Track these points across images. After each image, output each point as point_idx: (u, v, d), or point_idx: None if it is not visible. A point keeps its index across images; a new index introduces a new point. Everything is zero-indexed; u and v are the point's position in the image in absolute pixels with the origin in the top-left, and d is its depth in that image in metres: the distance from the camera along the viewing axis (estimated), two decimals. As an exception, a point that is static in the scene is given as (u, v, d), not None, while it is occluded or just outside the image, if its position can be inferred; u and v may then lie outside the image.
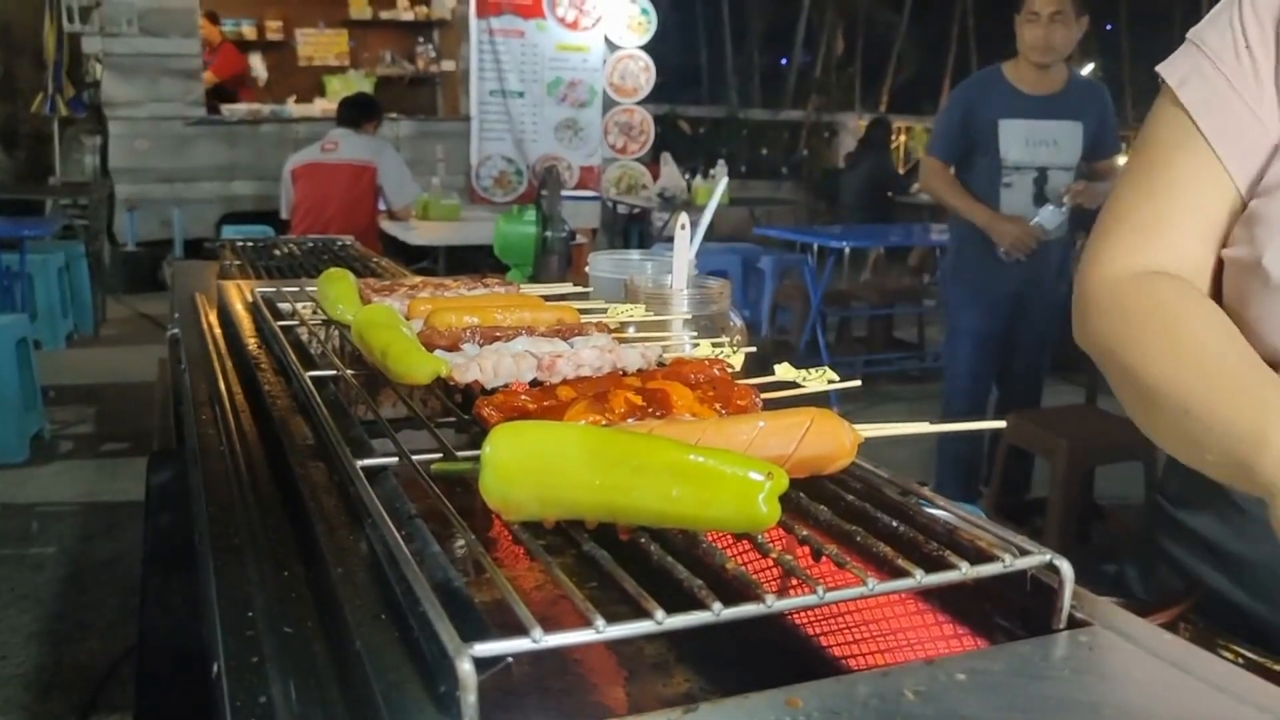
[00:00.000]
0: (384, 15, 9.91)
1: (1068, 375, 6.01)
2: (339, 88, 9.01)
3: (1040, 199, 3.57)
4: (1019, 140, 3.57)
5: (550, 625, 0.46)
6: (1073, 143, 3.55)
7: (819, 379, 0.74)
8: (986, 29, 13.32)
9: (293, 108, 8.95)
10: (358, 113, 5.64)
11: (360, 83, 9.36)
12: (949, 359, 4.01)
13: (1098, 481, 3.78)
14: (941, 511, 0.61)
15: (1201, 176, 0.95)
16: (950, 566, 0.53)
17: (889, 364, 6.14)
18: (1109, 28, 13.68)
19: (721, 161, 7.75)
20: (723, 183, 1.52)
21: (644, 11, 8.81)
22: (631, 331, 1.04)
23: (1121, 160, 3.69)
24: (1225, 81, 0.93)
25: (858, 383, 0.83)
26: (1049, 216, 3.51)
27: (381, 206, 5.65)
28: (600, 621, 0.45)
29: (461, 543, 0.56)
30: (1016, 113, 3.55)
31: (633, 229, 8.11)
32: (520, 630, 0.45)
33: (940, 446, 4.02)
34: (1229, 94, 0.92)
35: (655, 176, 8.22)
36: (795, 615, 0.71)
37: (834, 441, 0.61)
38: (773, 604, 0.49)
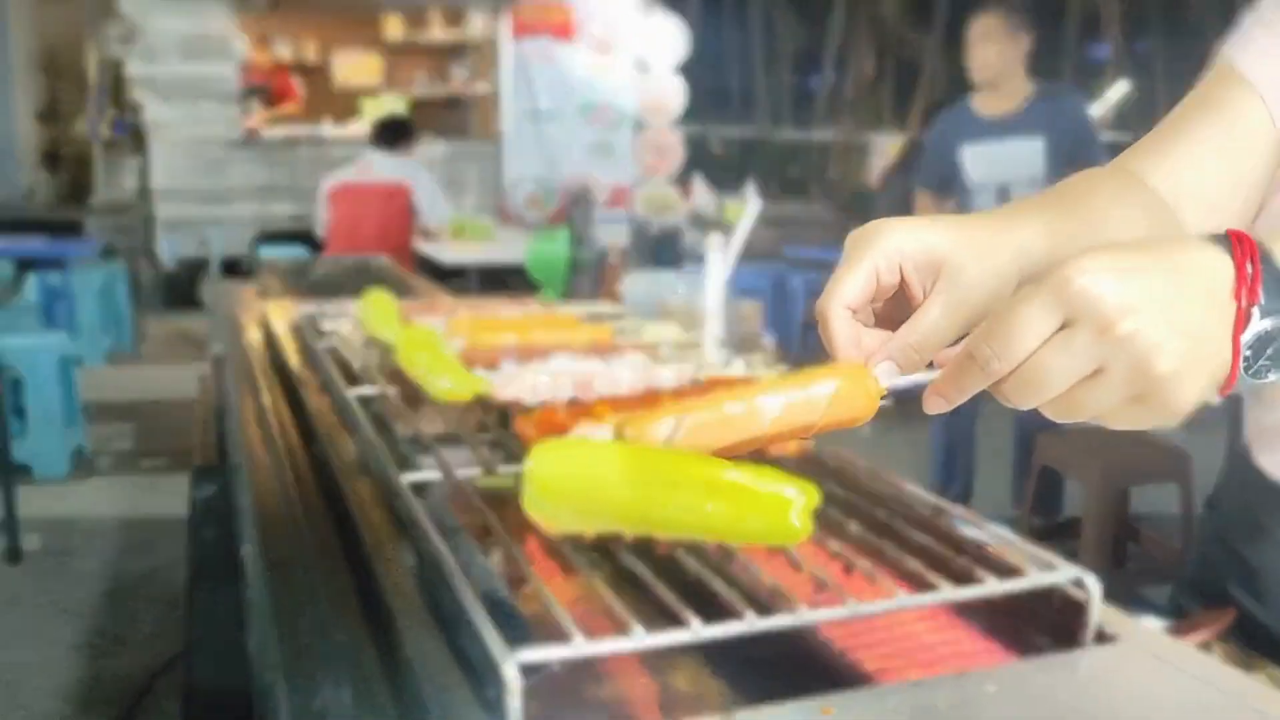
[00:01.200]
0: (418, 38, 10.05)
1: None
2: (374, 109, 9.13)
3: None
4: (980, 162, 3.80)
5: (591, 635, 0.47)
6: (1033, 158, 3.73)
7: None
8: (1018, 48, 13.27)
9: (329, 129, 9.08)
10: (392, 134, 5.71)
11: (395, 104, 9.48)
12: None
13: (1135, 502, 3.75)
14: (972, 529, 0.63)
15: (1234, 102, 0.88)
16: (978, 581, 0.55)
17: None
18: (1142, 46, 13.60)
19: (753, 188, 7.77)
20: (753, 205, 1.54)
21: (675, 34, 8.86)
22: (666, 350, 1.06)
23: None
24: (1265, 30, 0.88)
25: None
26: None
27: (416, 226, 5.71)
28: (639, 630, 0.47)
29: (505, 555, 0.58)
30: (976, 137, 3.79)
31: (663, 248, 8.13)
32: (563, 638, 0.47)
33: (932, 441, 4.12)
34: (1269, 41, 0.88)
35: (686, 196, 8.26)
36: (833, 632, 0.73)
37: (858, 403, 0.60)
38: (804, 615, 0.50)
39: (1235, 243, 0.55)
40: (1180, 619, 1.09)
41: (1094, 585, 0.55)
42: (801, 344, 6.62)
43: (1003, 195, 3.79)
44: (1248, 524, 1.02)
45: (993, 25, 3.72)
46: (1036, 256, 0.70)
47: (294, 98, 9.45)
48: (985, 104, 3.82)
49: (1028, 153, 3.75)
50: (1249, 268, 0.55)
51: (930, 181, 4.02)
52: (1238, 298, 0.54)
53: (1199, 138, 0.89)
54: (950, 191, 3.90)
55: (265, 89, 9.26)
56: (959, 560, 0.57)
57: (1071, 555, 0.56)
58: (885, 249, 0.65)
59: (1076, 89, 4.01)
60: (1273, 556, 0.99)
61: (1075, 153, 3.75)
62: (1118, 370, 0.53)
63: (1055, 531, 3.84)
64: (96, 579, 3.50)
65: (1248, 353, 0.55)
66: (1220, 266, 0.55)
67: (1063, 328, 0.53)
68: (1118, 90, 13.31)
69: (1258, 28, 0.89)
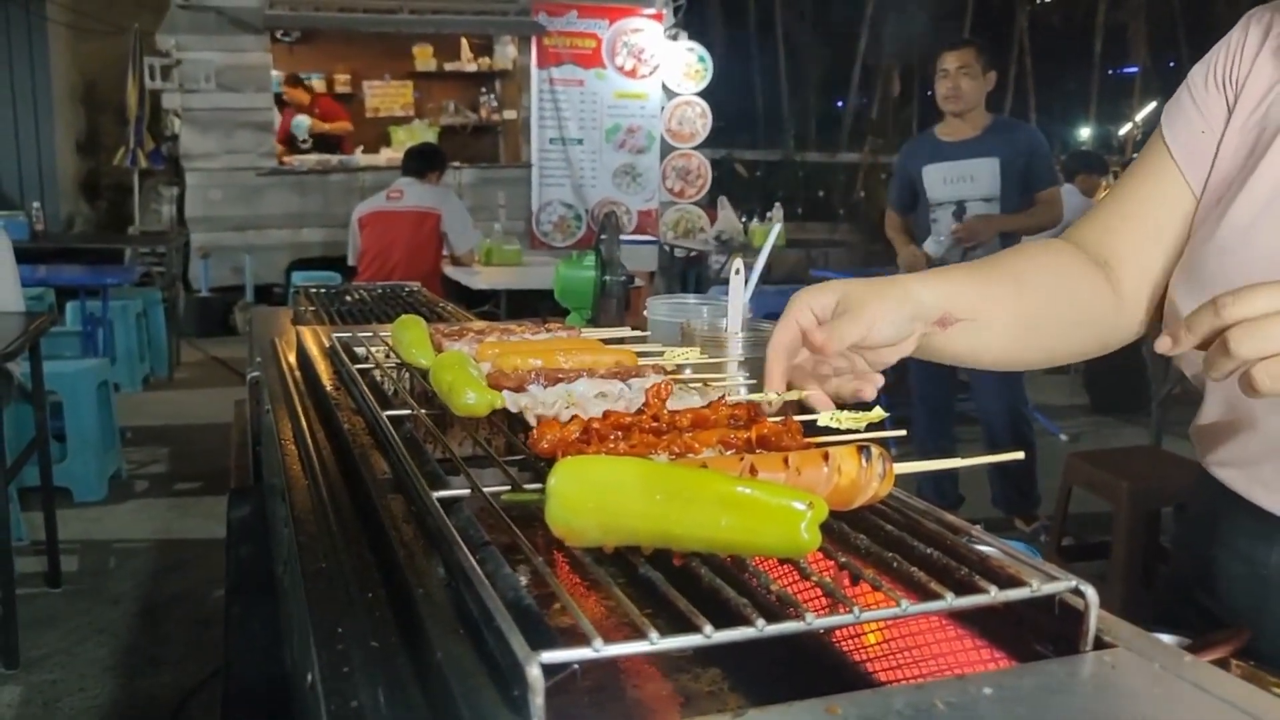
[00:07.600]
0: (448, 67, 10.22)
1: (1132, 418, 5.92)
2: (404, 137, 9.29)
3: None
4: (939, 180, 4.15)
5: (609, 639, 0.51)
6: (989, 176, 4.06)
7: (860, 419, 0.78)
8: (1043, 70, 13.26)
9: (360, 157, 9.24)
10: (422, 162, 5.81)
11: (425, 132, 9.63)
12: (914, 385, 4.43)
13: (1167, 524, 3.73)
14: (985, 546, 0.65)
15: (1158, 177, 1.05)
16: (980, 590, 0.57)
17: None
18: (1171, 65, 13.53)
19: (779, 205, 7.81)
20: (776, 229, 1.57)
21: (700, 59, 8.97)
22: (688, 374, 1.09)
23: (1059, 191, 4.27)
24: (1191, 101, 1.04)
25: (902, 432, 0.89)
26: (931, 245, 4.12)
27: (445, 252, 5.79)
28: (654, 634, 0.50)
29: (530, 567, 0.61)
30: (937, 158, 4.15)
31: (690, 272, 8.18)
32: (583, 641, 0.50)
33: (917, 454, 4.34)
34: (1191, 111, 1.04)
35: (712, 220, 8.32)
36: (844, 644, 0.75)
37: (862, 491, 0.65)
38: (812, 622, 0.53)
39: None
40: (1196, 637, 1.10)
41: (1092, 594, 0.58)
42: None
43: (959, 211, 4.11)
44: (1207, 525, 1.06)
45: (969, 59, 4.08)
46: (924, 301, 0.94)
47: (342, 118, 9.66)
48: (947, 130, 4.18)
49: (985, 170, 4.07)
50: None
51: (896, 202, 4.39)
52: None
53: (1129, 205, 1.08)
54: (914, 211, 4.29)
55: (323, 135, 9.47)
56: (961, 571, 0.59)
57: (1100, 577, 0.58)
58: (801, 305, 0.91)
59: (1031, 126, 4.55)
60: (1225, 557, 1.02)
61: (1028, 171, 4.08)
62: None
63: (1085, 552, 3.83)
64: (131, 600, 3.56)
65: None
66: None
67: None
68: (1147, 109, 13.24)
69: (1184, 96, 1.07)
